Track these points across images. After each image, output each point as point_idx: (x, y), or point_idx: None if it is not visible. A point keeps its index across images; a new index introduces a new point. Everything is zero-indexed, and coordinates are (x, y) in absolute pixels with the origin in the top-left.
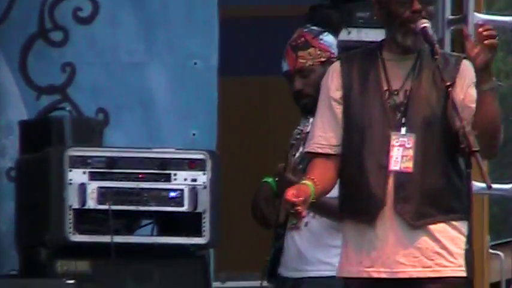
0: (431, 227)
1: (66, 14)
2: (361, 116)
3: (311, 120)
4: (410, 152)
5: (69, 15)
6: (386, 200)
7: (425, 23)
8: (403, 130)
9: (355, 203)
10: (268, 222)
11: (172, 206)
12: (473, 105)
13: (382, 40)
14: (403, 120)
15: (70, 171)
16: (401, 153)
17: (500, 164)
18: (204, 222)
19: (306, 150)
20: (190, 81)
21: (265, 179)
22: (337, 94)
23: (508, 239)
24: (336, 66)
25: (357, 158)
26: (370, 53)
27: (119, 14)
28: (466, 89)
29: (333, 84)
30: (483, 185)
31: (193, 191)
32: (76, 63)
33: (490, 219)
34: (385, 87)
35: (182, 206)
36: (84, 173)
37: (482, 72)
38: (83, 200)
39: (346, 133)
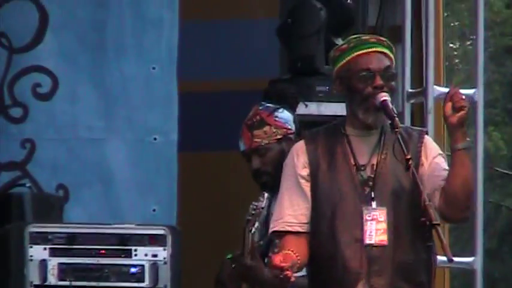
0: None
1: (26, 90)
2: (331, 191)
3: (266, 195)
4: (384, 225)
5: (29, 91)
6: (362, 273)
7: (385, 97)
8: (374, 204)
9: (330, 276)
10: None
11: (133, 282)
12: (444, 173)
13: (344, 117)
14: (373, 194)
15: (31, 247)
16: (374, 227)
17: (461, 238)
18: None
19: (274, 229)
20: (150, 157)
21: (228, 256)
22: (304, 171)
23: None
24: (301, 145)
25: (329, 232)
26: (334, 129)
27: (79, 90)
28: (431, 159)
29: (299, 162)
30: (444, 258)
31: (154, 266)
32: (36, 139)
33: None
34: (353, 163)
35: (143, 281)
36: (45, 249)
37: (457, 131)
38: (44, 276)
39: (315, 210)
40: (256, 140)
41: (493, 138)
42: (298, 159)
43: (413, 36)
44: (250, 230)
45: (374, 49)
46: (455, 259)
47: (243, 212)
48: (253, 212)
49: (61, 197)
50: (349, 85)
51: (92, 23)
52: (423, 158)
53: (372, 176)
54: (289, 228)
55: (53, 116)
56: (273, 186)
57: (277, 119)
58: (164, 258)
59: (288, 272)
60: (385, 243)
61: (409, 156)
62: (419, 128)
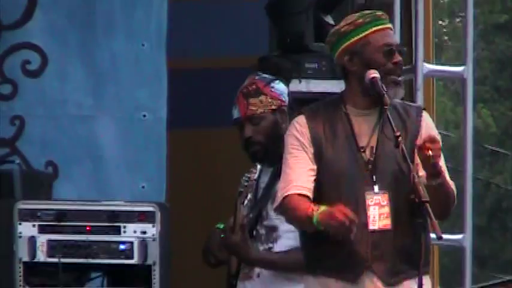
0: (405, 283)
1: (15, 66)
2: (336, 174)
3: (258, 167)
4: (387, 210)
5: (18, 68)
6: (368, 257)
7: (374, 73)
8: (376, 188)
9: (335, 260)
10: (221, 262)
11: (122, 259)
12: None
13: (342, 94)
14: (374, 178)
15: (20, 224)
16: (377, 211)
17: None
18: (154, 275)
19: (287, 193)
20: (139, 134)
21: (217, 225)
22: (311, 150)
23: None
24: (303, 121)
25: None
26: (334, 106)
27: (68, 67)
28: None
29: (305, 140)
30: (433, 235)
31: (143, 243)
32: (25, 116)
33: (441, 269)
34: (353, 144)
35: (132, 258)
36: (34, 226)
37: (432, 169)
38: (33, 253)
39: (319, 191)
40: (251, 108)
41: (482, 116)
42: (303, 136)
43: (403, 13)
44: (243, 203)
45: (387, 26)
46: (445, 236)
47: (233, 188)
48: (245, 184)
49: (50, 174)
50: (368, 60)
51: (81, 1)
52: (423, 131)
53: (372, 158)
54: (304, 192)
55: (43, 93)
56: (262, 157)
57: (273, 89)
58: (153, 235)
59: (352, 221)
60: (389, 227)
61: (398, 133)
62: (417, 104)
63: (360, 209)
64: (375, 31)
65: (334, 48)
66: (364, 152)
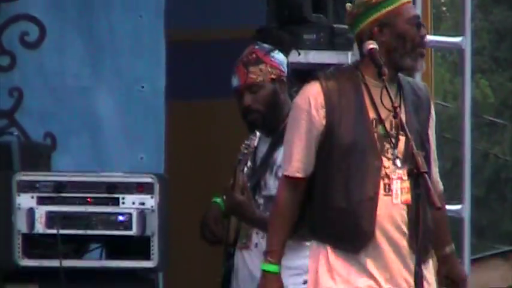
0: (430, 261)
1: (13, 38)
2: (347, 145)
3: (258, 134)
4: (407, 184)
5: (16, 40)
6: (375, 231)
7: (372, 44)
8: (398, 162)
9: (340, 231)
10: (218, 241)
11: (120, 230)
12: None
13: (358, 65)
14: (396, 152)
15: (18, 195)
16: (399, 185)
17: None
18: (153, 246)
19: (285, 173)
20: (137, 105)
21: (214, 199)
22: (322, 124)
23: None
24: (317, 91)
25: (343, 187)
26: (351, 76)
27: (66, 39)
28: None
29: (317, 113)
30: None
31: (142, 214)
32: (23, 88)
33: None
34: (372, 116)
35: (130, 229)
36: (32, 197)
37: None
38: (31, 224)
39: (328, 159)
40: (251, 76)
41: (480, 86)
42: (317, 110)
43: None
44: (242, 170)
45: None
46: None
47: (231, 159)
48: (245, 151)
49: (49, 146)
50: (400, 32)
51: None
52: (429, 131)
53: (392, 132)
54: (298, 175)
55: (41, 65)
56: (261, 126)
57: (273, 59)
58: (152, 206)
59: None
60: (409, 202)
61: (396, 104)
62: (424, 84)
63: (372, 181)
64: (404, 3)
65: (360, 19)
66: (384, 124)
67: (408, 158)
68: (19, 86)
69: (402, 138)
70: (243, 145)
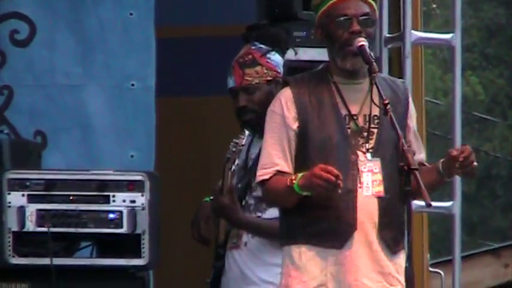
0: (401, 253)
1: (3, 36)
2: (322, 142)
3: (247, 133)
4: (379, 177)
5: (6, 37)
6: (356, 224)
7: (362, 41)
8: (369, 155)
9: (323, 227)
10: (206, 241)
11: (111, 228)
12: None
13: (328, 63)
14: (367, 145)
15: (9, 194)
16: (370, 178)
17: None
18: (143, 244)
19: (263, 178)
20: (127, 103)
21: (205, 199)
22: (295, 125)
23: (448, 257)
24: (288, 93)
25: None
26: (320, 76)
27: (56, 37)
28: (412, 131)
29: (289, 113)
30: (422, 203)
31: (132, 212)
32: (13, 86)
33: (430, 237)
34: (344, 112)
35: (121, 227)
36: (23, 195)
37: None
38: (22, 222)
39: (306, 159)
40: (247, 78)
41: (470, 83)
42: (288, 110)
43: None
44: (230, 168)
45: None
46: (434, 204)
47: (221, 157)
48: (233, 150)
49: (39, 144)
50: (328, 32)
51: None
52: (409, 121)
53: (365, 126)
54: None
55: (31, 63)
56: (255, 126)
57: (269, 60)
58: (142, 204)
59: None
60: (382, 194)
61: (387, 101)
62: (401, 80)
63: (348, 175)
64: (336, 2)
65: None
66: (357, 119)
67: (380, 151)
68: (9, 84)
69: (375, 131)
70: (232, 143)
